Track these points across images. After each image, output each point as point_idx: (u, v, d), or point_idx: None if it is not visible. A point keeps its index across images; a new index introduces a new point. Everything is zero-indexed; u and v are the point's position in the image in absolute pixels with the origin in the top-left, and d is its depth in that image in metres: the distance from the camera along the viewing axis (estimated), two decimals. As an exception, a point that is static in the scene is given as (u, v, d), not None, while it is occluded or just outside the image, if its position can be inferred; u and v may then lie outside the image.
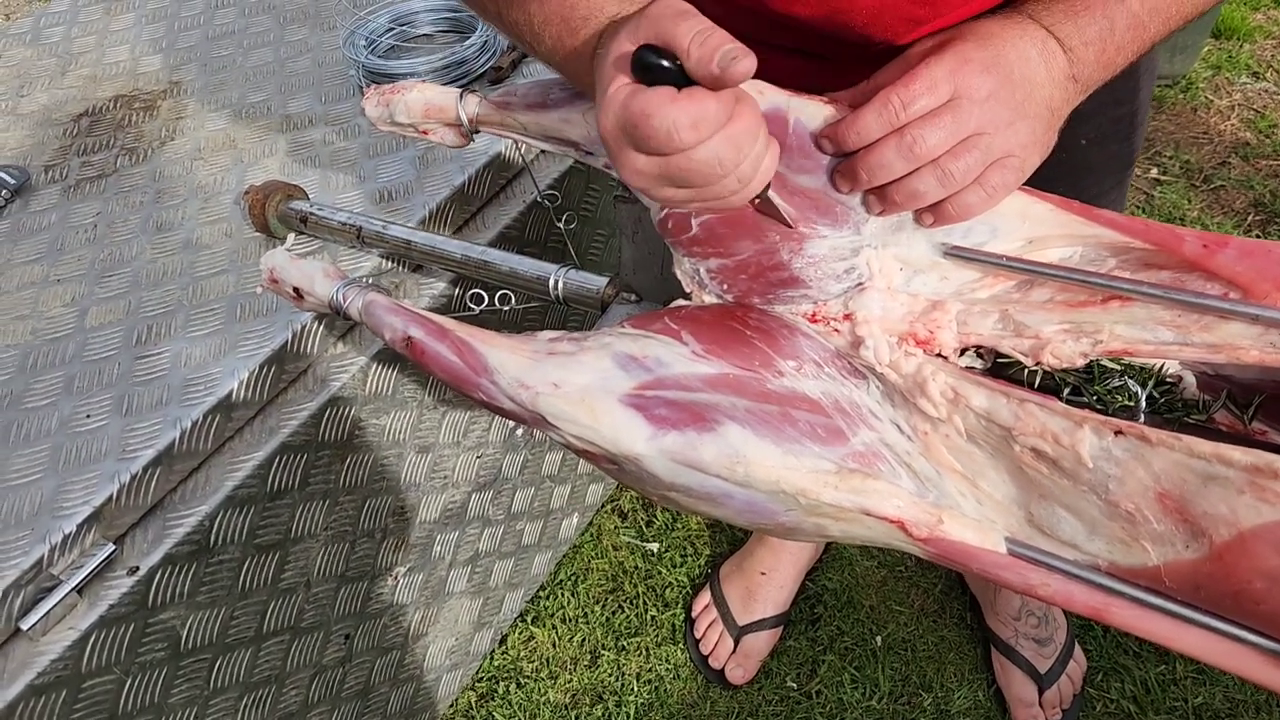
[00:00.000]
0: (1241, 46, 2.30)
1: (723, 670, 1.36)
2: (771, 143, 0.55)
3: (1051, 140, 0.60)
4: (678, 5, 0.50)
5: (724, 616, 1.39)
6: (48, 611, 0.80)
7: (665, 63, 0.49)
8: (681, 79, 0.50)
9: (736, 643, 1.37)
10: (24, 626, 0.79)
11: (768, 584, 1.39)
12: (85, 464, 0.87)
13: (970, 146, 0.56)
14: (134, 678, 0.87)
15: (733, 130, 0.51)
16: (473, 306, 0.83)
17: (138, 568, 0.85)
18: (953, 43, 0.58)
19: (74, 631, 0.81)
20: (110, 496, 0.84)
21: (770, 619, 1.38)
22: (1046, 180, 0.61)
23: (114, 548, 0.85)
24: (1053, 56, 0.58)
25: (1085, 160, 0.87)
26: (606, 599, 1.47)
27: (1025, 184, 0.60)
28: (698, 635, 1.40)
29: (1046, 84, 0.58)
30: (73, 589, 0.81)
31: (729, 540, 1.52)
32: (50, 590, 0.81)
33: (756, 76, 0.50)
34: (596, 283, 0.80)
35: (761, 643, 1.37)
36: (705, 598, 1.43)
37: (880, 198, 0.59)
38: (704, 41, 0.48)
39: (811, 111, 0.61)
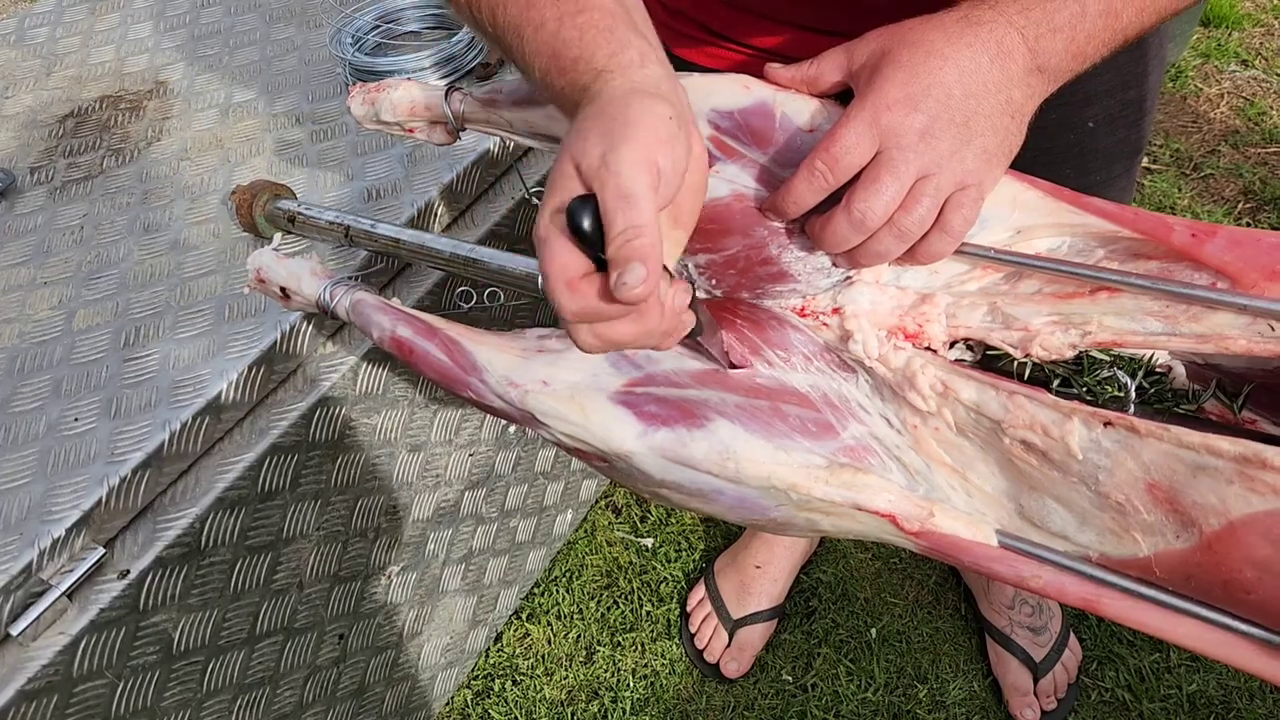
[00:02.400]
0: (1230, 34, 2.30)
1: (718, 664, 1.36)
2: (676, 291, 0.49)
3: (1016, 143, 0.58)
4: (628, 184, 0.45)
5: (718, 610, 1.39)
6: (38, 617, 0.80)
7: (587, 225, 0.46)
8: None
9: (731, 636, 1.37)
10: (14, 632, 0.79)
11: (762, 577, 1.39)
12: (74, 467, 0.86)
13: (918, 195, 0.55)
14: (126, 682, 0.87)
15: (632, 325, 0.48)
16: (461, 304, 0.83)
17: (128, 571, 0.84)
18: (877, 78, 0.56)
19: (65, 636, 0.81)
20: (99, 500, 0.84)
21: (765, 612, 1.38)
22: (1055, 161, 0.60)
23: (104, 551, 0.84)
24: (1009, 56, 0.56)
25: (1094, 143, 0.86)
26: (601, 595, 1.47)
27: (1021, 169, 0.60)
28: (692, 629, 1.40)
29: (1003, 86, 0.56)
30: (63, 593, 0.81)
31: (723, 535, 1.52)
32: (40, 595, 0.80)
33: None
34: (585, 279, 0.79)
35: (756, 636, 1.37)
36: (700, 592, 1.43)
37: (848, 260, 0.59)
38: (619, 246, 0.44)
39: (798, 106, 0.61)
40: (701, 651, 1.38)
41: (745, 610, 1.38)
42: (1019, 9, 0.56)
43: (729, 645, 1.37)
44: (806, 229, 0.59)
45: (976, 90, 0.55)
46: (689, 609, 1.42)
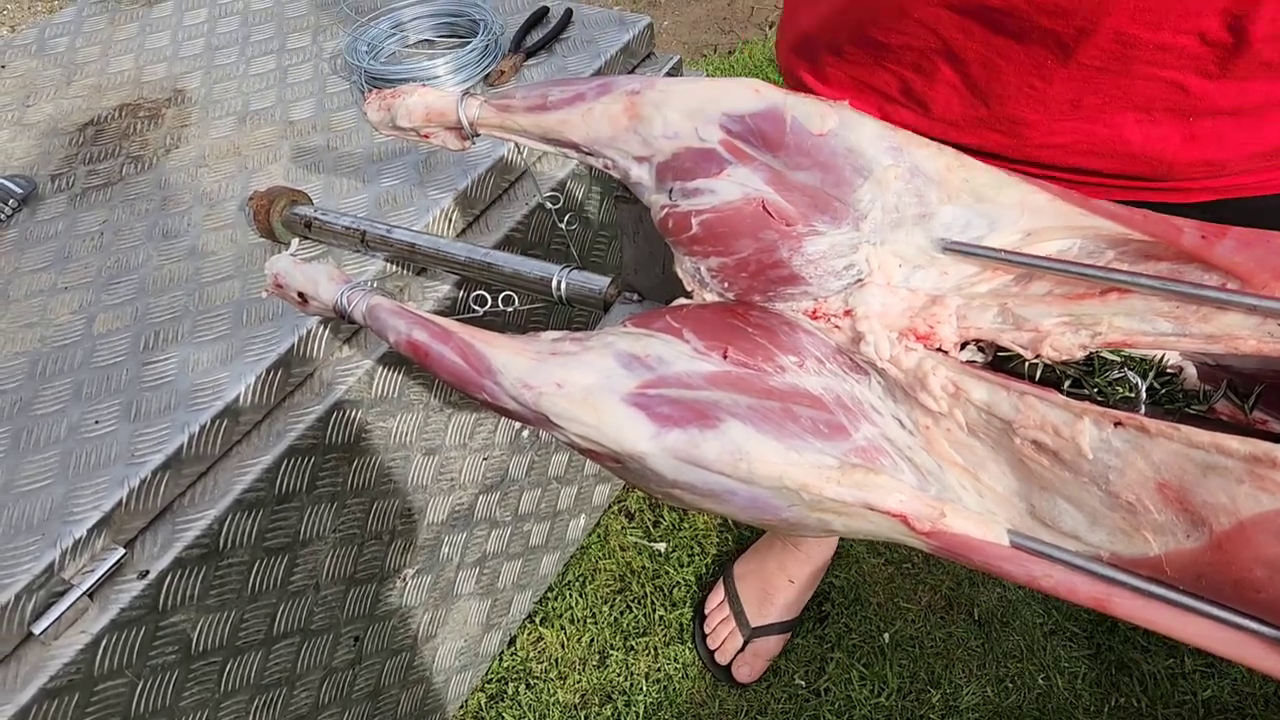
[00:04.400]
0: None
1: (729, 666, 1.36)
2: None
3: None
4: None
5: (737, 615, 1.39)
6: (59, 616, 0.81)
7: None
8: None
9: (746, 642, 1.37)
10: (36, 631, 0.80)
11: (789, 589, 1.39)
12: (94, 469, 0.87)
13: None
14: (146, 681, 0.88)
15: None
16: (476, 308, 0.84)
17: (148, 571, 0.85)
18: None
19: (85, 635, 0.82)
20: (120, 501, 0.85)
21: (784, 624, 1.38)
22: None
23: (124, 552, 0.85)
24: None
25: None
26: (614, 599, 1.48)
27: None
28: (707, 630, 1.40)
29: None
30: (84, 593, 0.82)
31: (736, 539, 1.53)
32: (61, 595, 0.82)
33: None
34: (599, 283, 0.80)
35: (772, 644, 1.38)
36: (719, 595, 1.43)
37: None
38: None
39: (809, 110, 0.61)
40: (714, 652, 1.38)
41: (765, 620, 1.38)
42: None
43: (742, 650, 1.37)
44: None
45: None
46: (706, 611, 1.42)
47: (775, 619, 1.38)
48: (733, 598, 1.40)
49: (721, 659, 1.37)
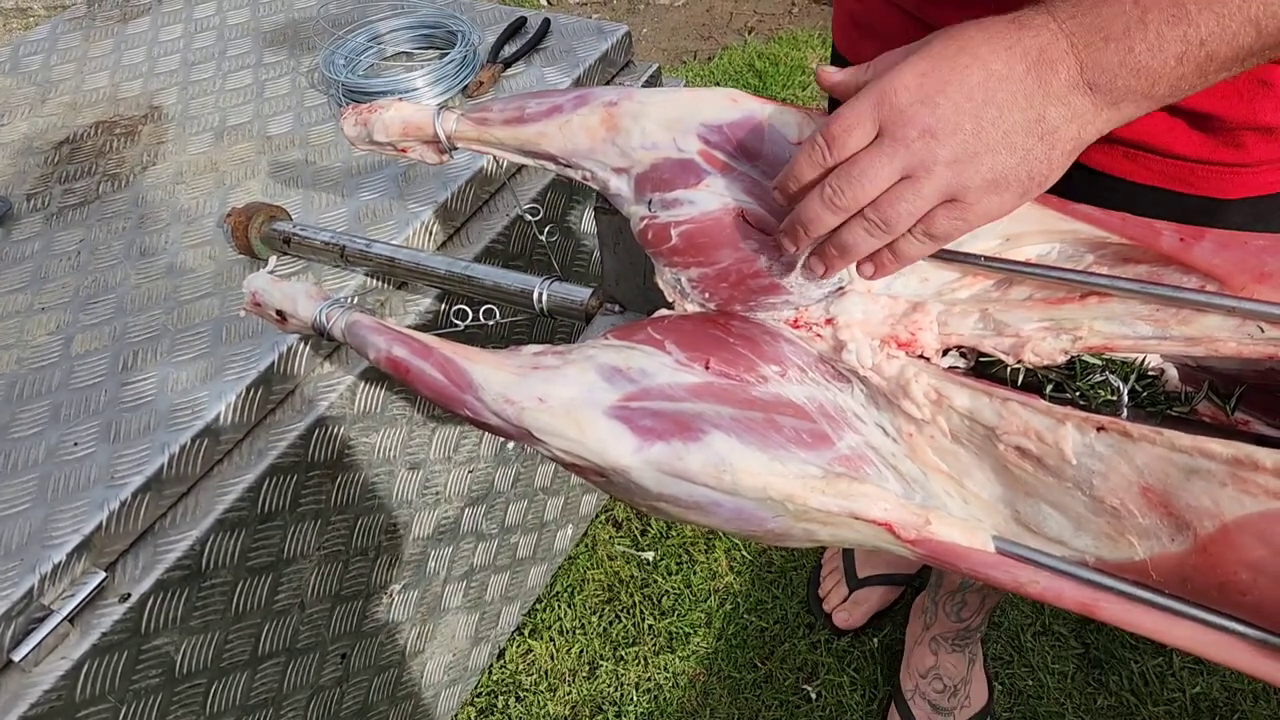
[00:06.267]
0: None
1: (830, 613, 1.40)
2: None
3: (1042, 169, 0.52)
4: None
5: (846, 567, 1.42)
6: (40, 642, 0.80)
7: None
8: None
9: (851, 593, 1.40)
10: (16, 658, 0.79)
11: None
12: (74, 492, 0.86)
13: (900, 193, 0.52)
14: (129, 705, 0.86)
15: None
16: (456, 322, 0.83)
17: (129, 595, 0.84)
18: (902, 62, 0.52)
19: (66, 661, 0.81)
20: (100, 524, 0.84)
21: (886, 575, 1.41)
22: None
23: (105, 575, 0.84)
24: (1050, 66, 0.50)
25: None
26: (603, 609, 1.47)
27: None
28: (821, 576, 1.44)
29: (1035, 101, 0.50)
30: (64, 618, 0.81)
31: (724, 546, 1.52)
32: (41, 620, 0.80)
33: None
34: (580, 294, 0.80)
35: (875, 596, 1.40)
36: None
37: (820, 256, 0.57)
38: None
39: (785, 119, 0.61)
40: (822, 599, 1.41)
41: (871, 571, 1.41)
42: (1070, 13, 0.50)
43: (845, 599, 1.40)
44: (782, 234, 0.58)
45: (1001, 100, 0.50)
46: (823, 559, 1.46)
47: (881, 570, 1.40)
48: (845, 551, 1.43)
49: (827, 606, 1.41)
